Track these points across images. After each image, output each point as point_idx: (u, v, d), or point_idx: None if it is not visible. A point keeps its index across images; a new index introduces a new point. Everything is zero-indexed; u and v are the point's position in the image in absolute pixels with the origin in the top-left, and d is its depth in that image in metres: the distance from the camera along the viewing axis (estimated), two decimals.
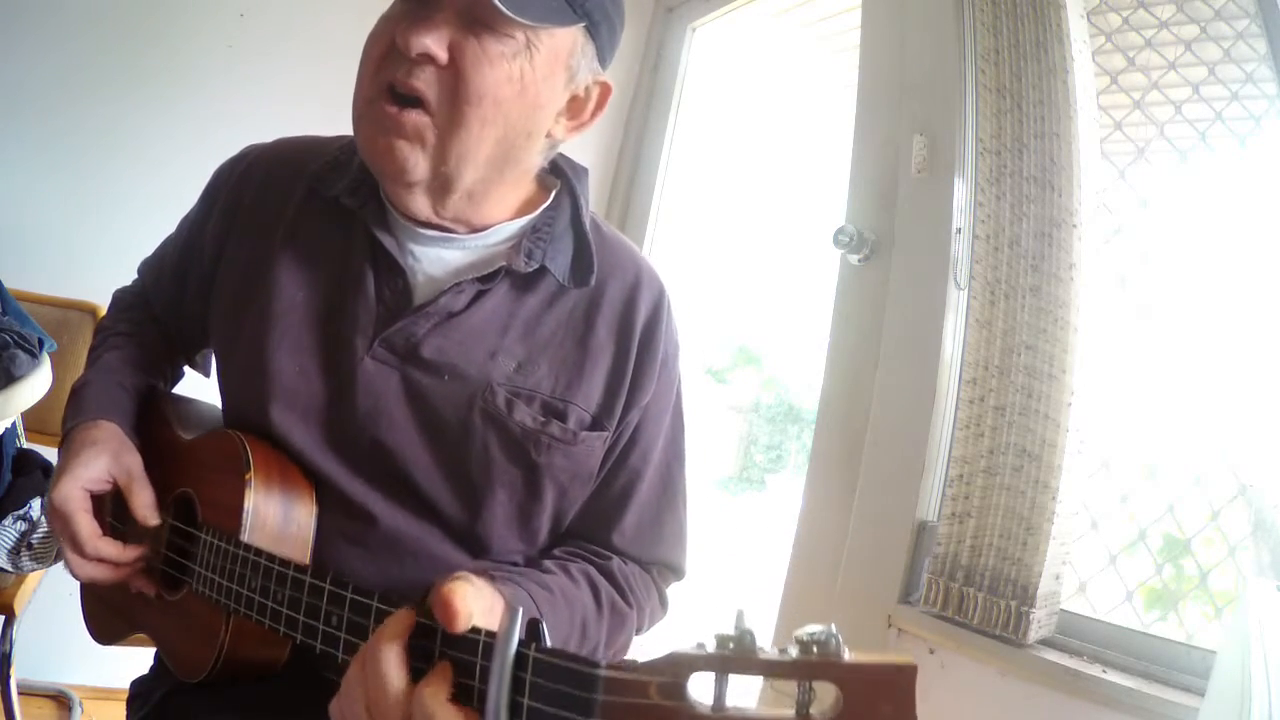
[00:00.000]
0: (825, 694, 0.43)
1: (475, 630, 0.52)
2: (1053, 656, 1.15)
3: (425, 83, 0.72)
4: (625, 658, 0.85)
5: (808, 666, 0.42)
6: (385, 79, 0.73)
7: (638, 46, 2.38)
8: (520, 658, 0.48)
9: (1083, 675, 1.10)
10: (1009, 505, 1.21)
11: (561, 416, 0.81)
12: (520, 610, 0.49)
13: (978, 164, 1.39)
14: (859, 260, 1.56)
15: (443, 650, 0.53)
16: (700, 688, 0.44)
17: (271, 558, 0.67)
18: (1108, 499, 1.26)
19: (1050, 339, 1.21)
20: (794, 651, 0.43)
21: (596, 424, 0.83)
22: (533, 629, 0.50)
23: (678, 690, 0.44)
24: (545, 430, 0.80)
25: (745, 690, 0.45)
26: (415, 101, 0.73)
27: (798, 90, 2.61)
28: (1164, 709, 1.03)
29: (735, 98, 2.44)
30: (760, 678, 0.44)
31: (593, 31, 0.78)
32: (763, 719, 0.43)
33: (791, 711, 0.43)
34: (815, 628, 0.44)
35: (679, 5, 2.35)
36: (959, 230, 1.41)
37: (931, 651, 1.28)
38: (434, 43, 0.71)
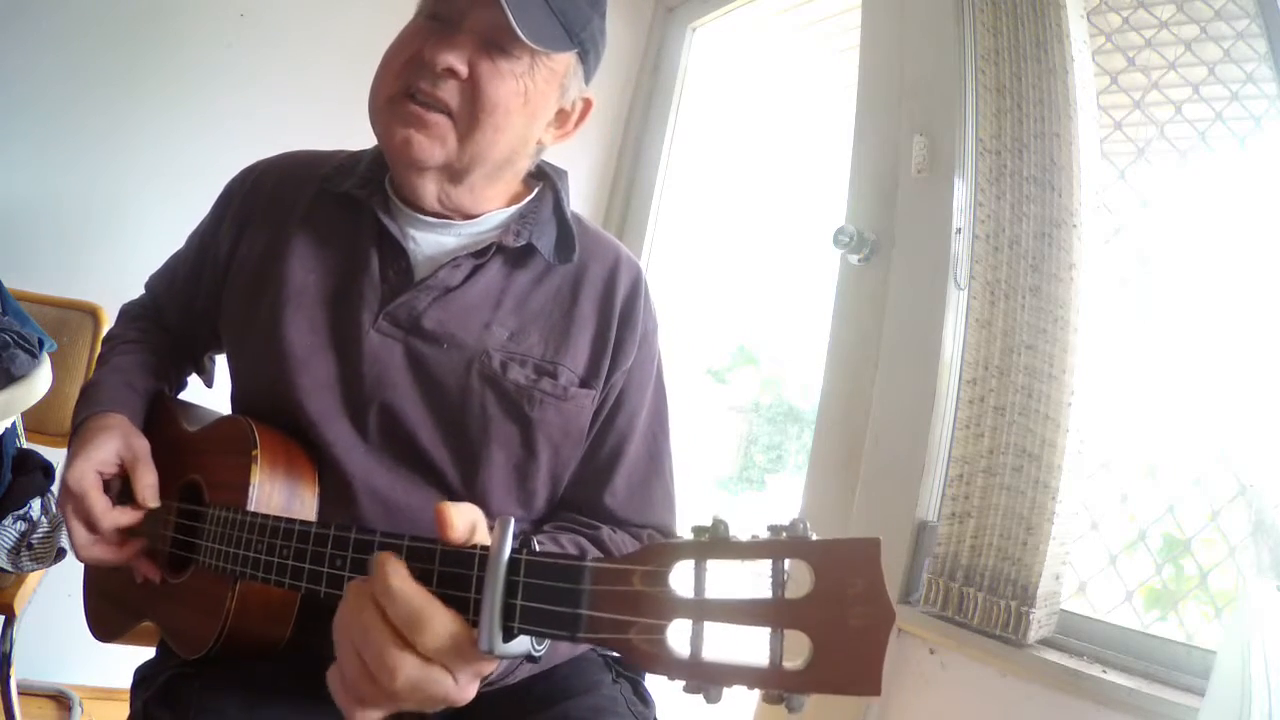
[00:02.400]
0: (800, 574, 0.45)
1: (470, 546, 0.55)
2: (1053, 656, 1.15)
3: (448, 93, 0.82)
4: None
5: (779, 546, 0.45)
6: (407, 83, 0.83)
7: (638, 46, 2.38)
8: (513, 563, 0.51)
9: (1083, 675, 1.10)
10: (1009, 505, 1.21)
11: (552, 375, 0.88)
12: (512, 520, 0.52)
13: (978, 164, 1.39)
14: (859, 260, 1.56)
15: (441, 569, 0.55)
16: (681, 583, 0.47)
17: (277, 518, 0.69)
18: (1108, 499, 1.26)
19: (1050, 339, 1.21)
20: (765, 535, 0.46)
21: (584, 383, 0.90)
22: (524, 542, 0.53)
23: (660, 577, 0.47)
24: (537, 386, 0.87)
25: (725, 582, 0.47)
26: (439, 108, 0.82)
27: (798, 90, 2.60)
28: (1164, 709, 1.03)
29: (735, 98, 2.44)
30: (739, 567, 0.46)
31: (583, 57, 0.90)
32: (741, 600, 0.45)
33: (769, 593, 0.45)
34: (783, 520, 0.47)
35: (679, 5, 2.35)
36: (959, 230, 1.41)
37: (931, 651, 1.28)
38: (457, 59, 0.81)
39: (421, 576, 0.56)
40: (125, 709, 0.86)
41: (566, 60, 0.88)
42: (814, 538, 0.45)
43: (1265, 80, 1.22)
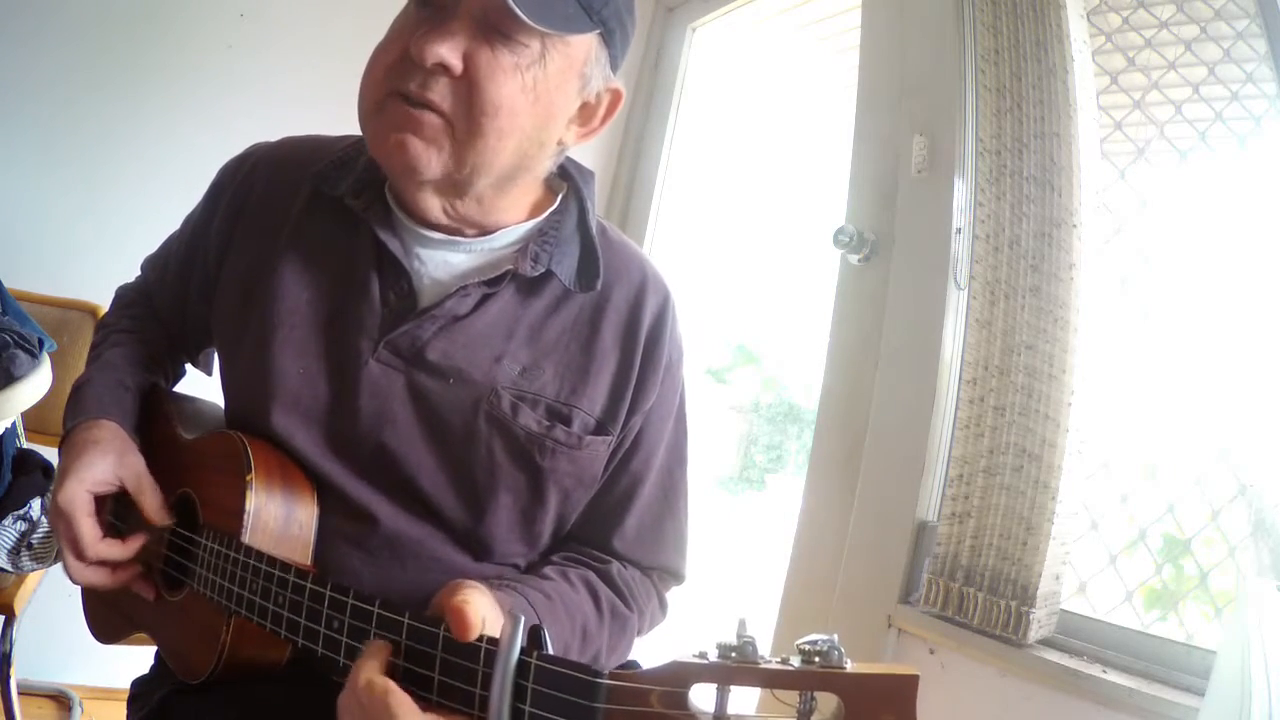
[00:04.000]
0: (826, 702, 0.43)
1: (478, 637, 0.52)
2: (1053, 656, 1.15)
3: (439, 95, 0.71)
4: (628, 659, 0.85)
5: (810, 677, 0.42)
6: (396, 85, 0.72)
7: (638, 46, 2.38)
8: (522, 665, 0.49)
9: (1083, 675, 1.10)
10: (1009, 505, 1.21)
11: (566, 421, 0.80)
12: (522, 618, 0.49)
13: (978, 164, 1.39)
14: (859, 260, 1.56)
15: (444, 656, 0.53)
16: (702, 696, 0.44)
17: (273, 561, 0.67)
18: (1108, 499, 1.26)
19: (1050, 339, 1.21)
20: (796, 661, 0.43)
21: (601, 429, 0.82)
22: (534, 636, 0.50)
23: (680, 700, 0.44)
24: (550, 434, 0.79)
25: (746, 696, 0.45)
26: (431, 110, 0.72)
27: (797, 90, 2.61)
28: (1164, 709, 1.03)
29: (735, 98, 2.44)
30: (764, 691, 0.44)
31: (607, 39, 0.77)
32: None
33: None
34: (817, 637, 0.44)
35: (679, 5, 2.35)
36: (959, 230, 1.41)
37: (931, 651, 1.28)
38: (449, 52, 0.69)
39: (423, 662, 0.54)
40: (125, 709, 0.86)
41: (586, 44, 0.75)
42: (849, 666, 0.43)
43: (1265, 80, 1.22)
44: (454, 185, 0.77)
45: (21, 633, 1.50)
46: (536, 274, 0.81)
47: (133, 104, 1.88)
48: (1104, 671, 1.11)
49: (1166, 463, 1.23)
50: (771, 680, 0.43)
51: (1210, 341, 1.23)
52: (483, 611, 0.54)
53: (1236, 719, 0.72)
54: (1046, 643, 1.19)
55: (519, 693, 0.48)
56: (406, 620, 0.56)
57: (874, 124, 1.62)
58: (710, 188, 2.40)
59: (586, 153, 2.34)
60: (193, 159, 1.86)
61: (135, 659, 0.91)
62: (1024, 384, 1.22)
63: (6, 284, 1.49)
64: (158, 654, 0.88)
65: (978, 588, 1.22)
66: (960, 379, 1.35)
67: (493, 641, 0.51)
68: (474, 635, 0.52)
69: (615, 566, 0.85)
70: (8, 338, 1.29)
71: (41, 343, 1.34)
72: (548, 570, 0.81)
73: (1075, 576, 1.23)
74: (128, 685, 0.89)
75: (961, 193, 1.42)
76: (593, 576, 0.82)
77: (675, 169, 2.29)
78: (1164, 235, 1.29)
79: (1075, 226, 1.22)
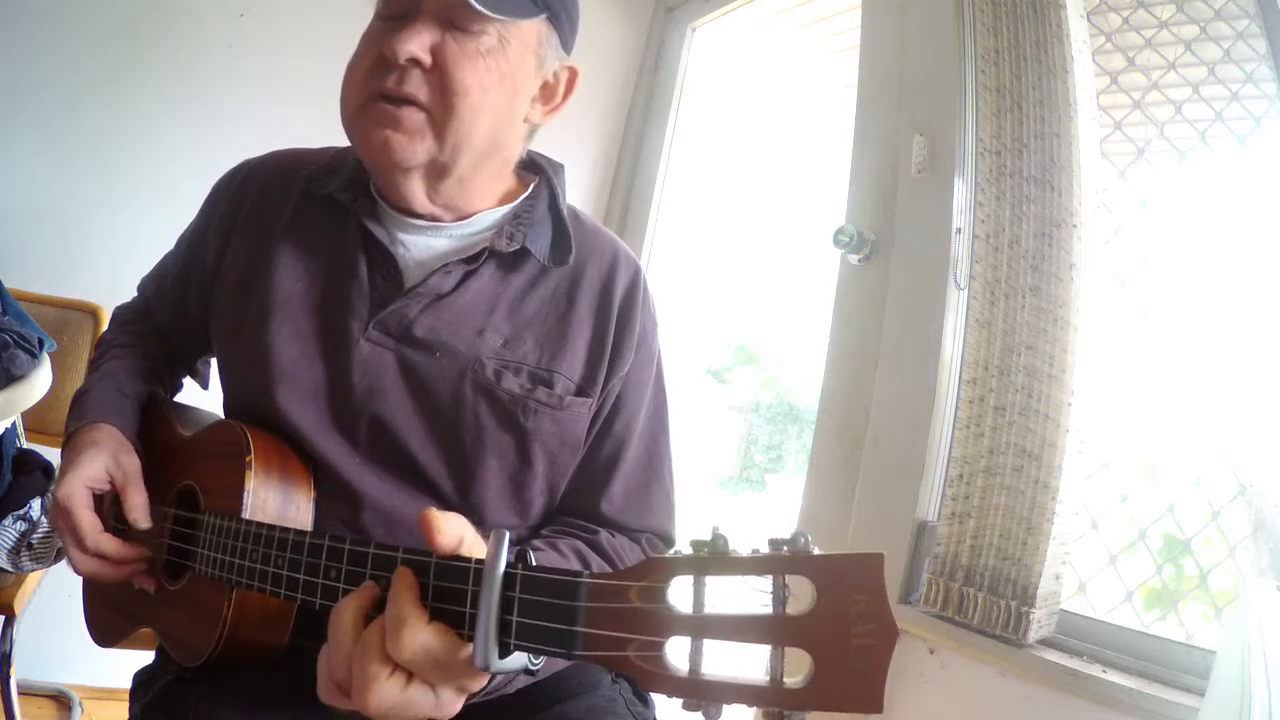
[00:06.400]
0: (800, 591, 0.44)
1: (464, 559, 0.54)
2: (1053, 656, 1.15)
3: (415, 87, 0.78)
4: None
5: (780, 562, 0.44)
6: (374, 88, 0.79)
7: (638, 46, 2.38)
8: (509, 578, 0.51)
9: (1083, 675, 1.10)
10: (1009, 505, 1.21)
11: (548, 384, 0.85)
12: (507, 534, 0.51)
13: (978, 164, 1.39)
14: (859, 260, 1.56)
15: (436, 583, 0.55)
16: (680, 596, 0.46)
17: (272, 527, 0.69)
18: (1108, 499, 1.26)
19: (1050, 339, 1.21)
20: (766, 550, 0.45)
21: (581, 391, 0.88)
22: (520, 556, 0.52)
23: (658, 594, 0.46)
24: (532, 396, 0.84)
25: (725, 603, 0.46)
26: (409, 103, 0.78)
27: (798, 90, 2.61)
28: (1164, 709, 1.03)
29: (735, 98, 2.44)
30: (738, 582, 0.45)
31: (554, 21, 0.85)
32: (741, 616, 0.44)
33: (769, 609, 0.44)
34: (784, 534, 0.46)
35: (679, 5, 2.35)
36: (959, 230, 1.41)
37: (931, 651, 1.28)
38: (418, 47, 0.77)
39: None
40: (125, 709, 0.86)
41: (537, 29, 0.84)
42: (816, 551, 0.44)
43: (1265, 80, 1.22)
44: (438, 169, 0.83)
45: (21, 633, 1.50)
46: (512, 249, 0.86)
47: (132, 103, 1.88)
48: (1104, 671, 1.11)
49: (1166, 463, 1.23)
50: (744, 568, 0.45)
51: (1210, 341, 1.23)
52: (458, 526, 0.56)
53: (1236, 719, 0.72)
54: (1046, 643, 1.19)
55: (506, 604, 0.50)
56: (400, 555, 0.57)
57: (874, 124, 1.62)
58: (710, 188, 2.41)
59: (587, 152, 2.34)
60: (192, 158, 1.88)
61: (136, 659, 0.91)
62: (1024, 384, 1.23)
63: (6, 284, 1.49)
64: (160, 646, 0.89)
65: (978, 588, 1.22)
66: (960, 379, 1.35)
67: (480, 561, 0.53)
68: (444, 538, 0.54)
69: (604, 535, 0.87)
70: (8, 338, 1.29)
71: (41, 343, 1.34)
72: (537, 542, 0.83)
73: (1075, 576, 1.24)
74: (128, 685, 0.89)
75: (961, 193, 1.42)
76: (582, 545, 0.85)
77: (675, 169, 2.29)
78: (1164, 235, 1.29)
79: (1075, 226, 1.22)
